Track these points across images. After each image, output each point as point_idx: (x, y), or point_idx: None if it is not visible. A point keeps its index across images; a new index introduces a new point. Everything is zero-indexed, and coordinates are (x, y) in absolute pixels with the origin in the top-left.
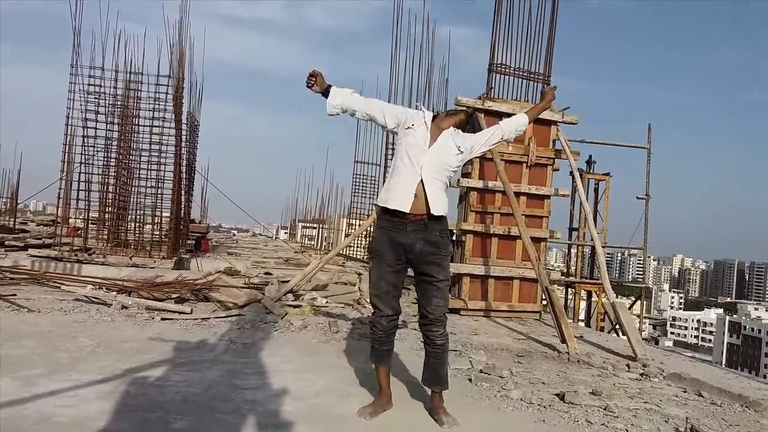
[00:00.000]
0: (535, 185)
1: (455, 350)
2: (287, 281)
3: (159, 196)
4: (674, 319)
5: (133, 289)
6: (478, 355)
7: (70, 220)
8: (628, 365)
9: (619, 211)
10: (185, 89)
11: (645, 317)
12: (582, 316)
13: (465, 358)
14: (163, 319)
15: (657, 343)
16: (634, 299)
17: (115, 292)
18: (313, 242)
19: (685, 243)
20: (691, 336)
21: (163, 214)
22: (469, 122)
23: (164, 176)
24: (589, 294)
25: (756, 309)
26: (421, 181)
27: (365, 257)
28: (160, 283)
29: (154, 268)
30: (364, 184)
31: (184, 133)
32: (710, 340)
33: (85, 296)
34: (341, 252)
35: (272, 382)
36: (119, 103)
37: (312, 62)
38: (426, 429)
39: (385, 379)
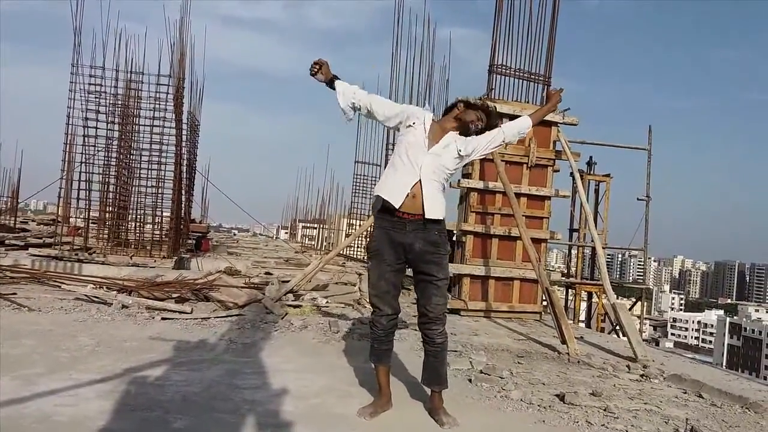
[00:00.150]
0: (536, 186)
1: (455, 351)
2: (287, 281)
3: (159, 195)
4: (675, 320)
5: (133, 288)
6: (479, 356)
7: (71, 220)
8: (628, 366)
9: (619, 212)
10: (186, 89)
11: (645, 318)
12: (582, 317)
13: (465, 359)
14: (163, 318)
15: (657, 344)
16: (634, 300)
17: (115, 292)
18: (313, 242)
19: (686, 244)
20: (692, 337)
21: (164, 214)
22: (486, 123)
23: (165, 176)
24: (590, 295)
25: (756, 310)
26: (420, 181)
27: (365, 257)
28: (160, 282)
29: (154, 267)
30: (365, 184)
31: (184, 132)
32: (711, 342)
33: (86, 295)
34: (341, 252)
35: (272, 382)
36: (120, 102)
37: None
38: (426, 429)
39: (385, 378)
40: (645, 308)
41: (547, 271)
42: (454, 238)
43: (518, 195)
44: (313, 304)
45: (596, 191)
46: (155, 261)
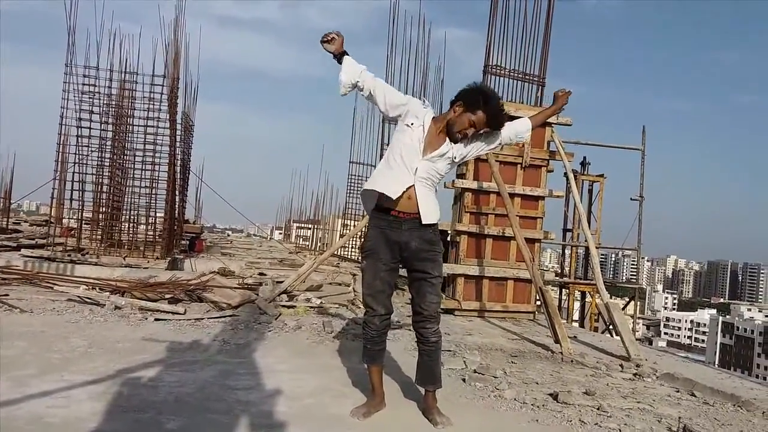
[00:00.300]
0: (530, 186)
1: (449, 350)
2: (281, 282)
3: (153, 196)
4: (668, 319)
5: (126, 289)
6: (472, 356)
7: (64, 220)
8: (621, 365)
9: (613, 212)
10: (180, 89)
11: (639, 318)
12: (576, 316)
13: (459, 358)
14: (156, 319)
15: (650, 343)
16: (627, 300)
17: (108, 293)
18: (307, 243)
19: (679, 244)
20: (685, 336)
21: (157, 215)
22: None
23: (158, 176)
24: (583, 294)
25: (749, 309)
26: (413, 186)
27: (360, 258)
28: (153, 283)
29: (147, 268)
30: (360, 185)
31: (178, 133)
32: (703, 341)
33: (78, 296)
34: (336, 253)
35: (266, 383)
36: (114, 102)
37: (308, 62)
38: (420, 429)
39: (378, 379)
40: (638, 307)
41: (541, 270)
42: (449, 238)
43: (512, 195)
44: (307, 304)
45: (590, 191)
46: (148, 262)
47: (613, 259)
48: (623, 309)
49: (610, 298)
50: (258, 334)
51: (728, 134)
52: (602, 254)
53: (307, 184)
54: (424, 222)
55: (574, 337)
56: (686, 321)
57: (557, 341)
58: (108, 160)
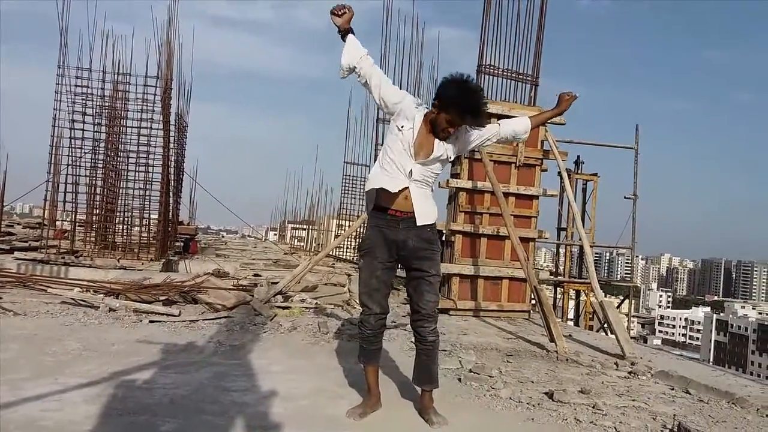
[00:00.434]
0: (524, 185)
1: (445, 350)
2: (276, 283)
3: (147, 197)
4: (662, 317)
5: (120, 291)
6: (468, 355)
7: (57, 223)
8: (616, 363)
9: (607, 210)
10: (173, 90)
11: (633, 316)
12: (571, 315)
13: (454, 358)
14: (151, 321)
15: (645, 341)
16: (622, 298)
17: (102, 295)
18: (302, 243)
19: (673, 242)
20: (679, 334)
21: (151, 216)
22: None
23: (152, 178)
24: (578, 293)
25: (743, 307)
26: (408, 188)
27: (355, 258)
28: (148, 285)
29: (142, 270)
30: (354, 185)
31: (172, 134)
32: (698, 338)
33: (72, 299)
34: (331, 253)
35: (261, 384)
36: (107, 104)
37: (302, 63)
38: (416, 429)
39: (374, 379)
40: (633, 306)
41: (536, 269)
42: (443, 238)
43: (506, 194)
44: (302, 305)
45: (584, 190)
46: (143, 264)
47: (608, 257)
48: (618, 307)
49: (605, 296)
50: (253, 335)
51: (722, 133)
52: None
53: (302, 185)
54: (418, 223)
55: (569, 335)
56: (681, 319)
57: (552, 340)
58: (101, 162)
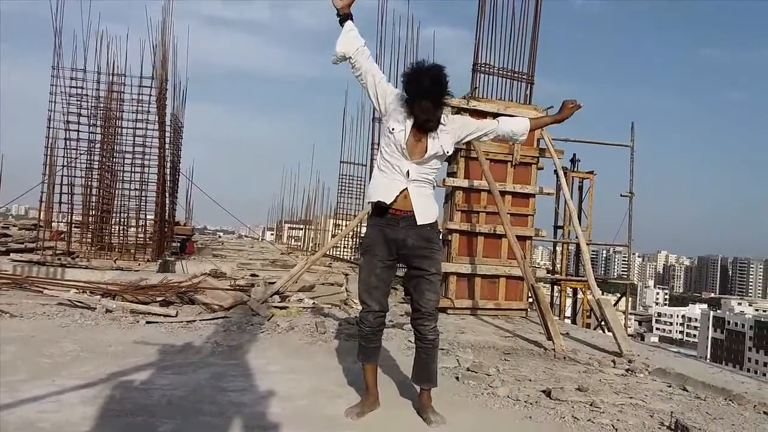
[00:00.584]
0: (520, 184)
1: (442, 349)
2: (274, 283)
3: (143, 198)
4: (659, 314)
5: (117, 292)
6: (465, 354)
7: (53, 224)
8: (613, 361)
9: (603, 208)
10: (168, 90)
11: (630, 313)
12: (568, 313)
13: (452, 357)
14: (147, 322)
15: (642, 338)
16: (619, 296)
17: (99, 296)
18: (299, 243)
19: (669, 239)
20: (676, 331)
21: (148, 217)
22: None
23: (148, 178)
24: (575, 291)
25: (739, 304)
26: (407, 188)
27: (352, 258)
28: (144, 286)
29: (138, 271)
30: (351, 185)
31: (167, 134)
32: (695, 336)
33: (69, 300)
34: (328, 253)
35: (259, 384)
36: (102, 105)
37: (298, 63)
38: (414, 428)
39: (372, 377)
40: (630, 303)
41: (533, 268)
42: (440, 237)
43: (503, 193)
44: (299, 305)
45: (580, 188)
46: (139, 264)
47: (604, 255)
48: (615, 305)
49: (602, 294)
50: (250, 335)
51: (718, 131)
52: (593, 251)
53: (299, 184)
54: (418, 223)
55: (566, 333)
56: (677, 316)
57: (549, 338)
58: (97, 163)
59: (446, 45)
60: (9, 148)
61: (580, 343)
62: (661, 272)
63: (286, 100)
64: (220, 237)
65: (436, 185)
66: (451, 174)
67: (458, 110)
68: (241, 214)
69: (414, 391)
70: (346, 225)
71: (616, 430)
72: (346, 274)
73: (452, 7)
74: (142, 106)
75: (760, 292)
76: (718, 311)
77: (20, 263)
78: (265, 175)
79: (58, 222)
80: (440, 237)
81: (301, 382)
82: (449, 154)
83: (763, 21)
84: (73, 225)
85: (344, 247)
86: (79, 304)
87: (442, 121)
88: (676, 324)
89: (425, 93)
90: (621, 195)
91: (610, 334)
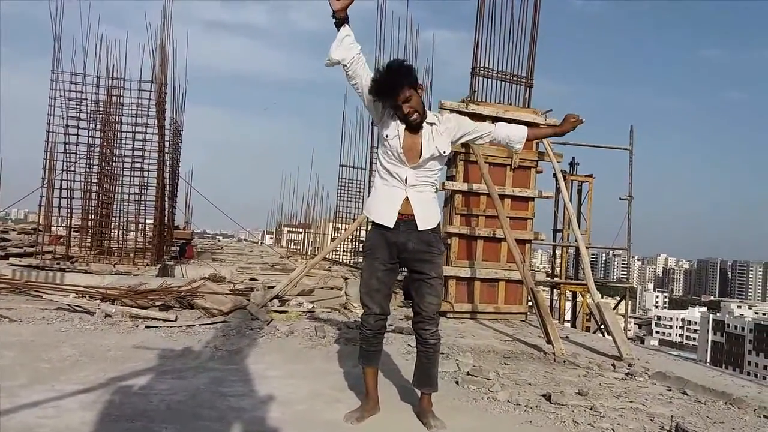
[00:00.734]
0: (519, 187)
1: (442, 353)
2: (273, 287)
3: (142, 202)
4: (659, 318)
5: (116, 297)
6: (465, 358)
7: (52, 228)
8: (613, 365)
9: (602, 212)
10: (168, 94)
11: (630, 317)
12: (567, 316)
13: (452, 361)
14: (147, 327)
15: (642, 342)
16: (618, 299)
17: (98, 301)
18: (299, 247)
19: (669, 243)
20: (676, 335)
21: (147, 221)
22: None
23: (147, 182)
24: (575, 294)
25: (739, 307)
26: (407, 196)
27: (352, 261)
28: (144, 290)
29: (138, 275)
30: (350, 188)
31: (167, 138)
32: (695, 339)
33: (68, 305)
34: (327, 256)
35: (258, 389)
36: (101, 109)
37: (297, 66)
38: None
39: (373, 381)
40: (629, 307)
41: (532, 271)
42: (442, 240)
43: (502, 196)
44: (299, 309)
45: (579, 191)
46: (139, 269)
47: (604, 258)
48: (614, 308)
49: (601, 297)
50: (250, 340)
51: (718, 131)
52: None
53: (298, 188)
54: (420, 228)
55: (566, 337)
56: (677, 319)
57: (549, 342)
58: (96, 167)
59: (446, 47)
60: (8, 152)
61: (579, 347)
62: (661, 275)
63: (287, 103)
64: (219, 241)
65: (438, 189)
66: (451, 178)
67: (457, 114)
68: (240, 218)
69: (414, 395)
70: (345, 228)
71: None
72: (346, 278)
73: (451, 9)
74: (141, 110)
75: (759, 295)
76: (718, 314)
77: (19, 268)
78: (265, 179)
79: (57, 226)
80: (442, 240)
81: (301, 386)
82: (446, 154)
83: (763, 21)
84: (72, 229)
85: (344, 251)
86: (78, 308)
87: (435, 121)
88: (676, 327)
89: (390, 88)
90: (620, 198)
91: (610, 337)
